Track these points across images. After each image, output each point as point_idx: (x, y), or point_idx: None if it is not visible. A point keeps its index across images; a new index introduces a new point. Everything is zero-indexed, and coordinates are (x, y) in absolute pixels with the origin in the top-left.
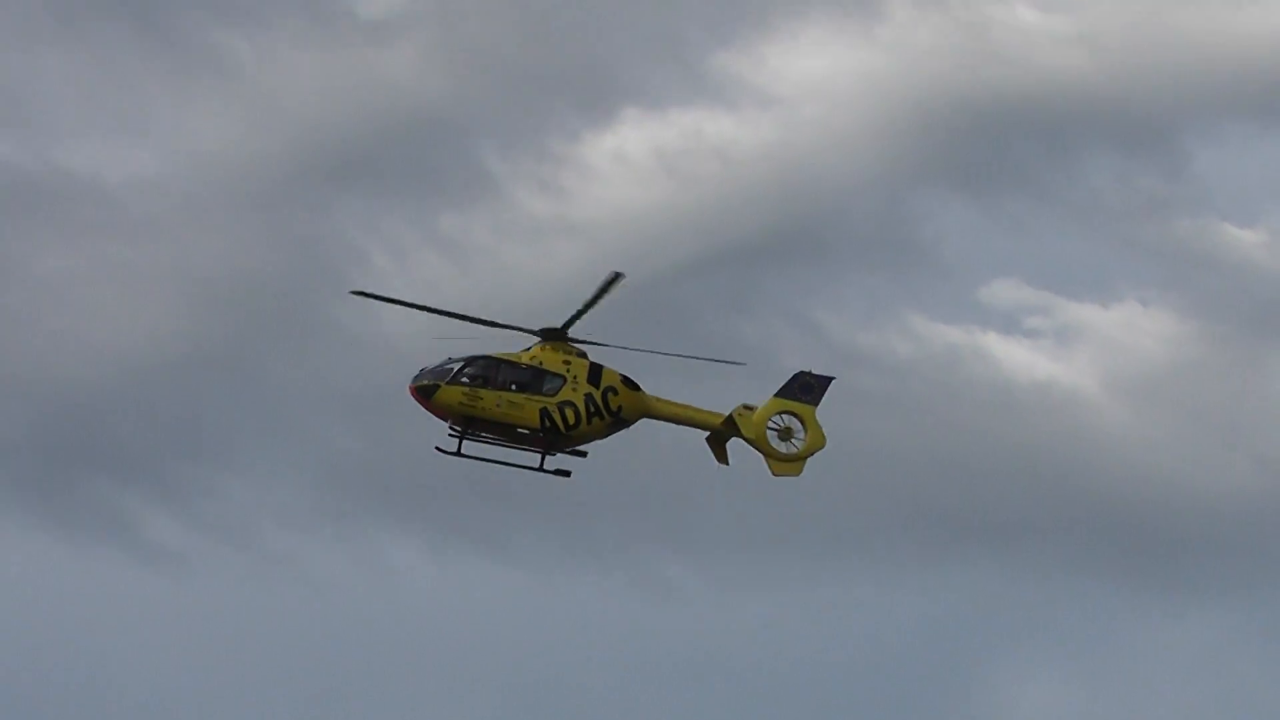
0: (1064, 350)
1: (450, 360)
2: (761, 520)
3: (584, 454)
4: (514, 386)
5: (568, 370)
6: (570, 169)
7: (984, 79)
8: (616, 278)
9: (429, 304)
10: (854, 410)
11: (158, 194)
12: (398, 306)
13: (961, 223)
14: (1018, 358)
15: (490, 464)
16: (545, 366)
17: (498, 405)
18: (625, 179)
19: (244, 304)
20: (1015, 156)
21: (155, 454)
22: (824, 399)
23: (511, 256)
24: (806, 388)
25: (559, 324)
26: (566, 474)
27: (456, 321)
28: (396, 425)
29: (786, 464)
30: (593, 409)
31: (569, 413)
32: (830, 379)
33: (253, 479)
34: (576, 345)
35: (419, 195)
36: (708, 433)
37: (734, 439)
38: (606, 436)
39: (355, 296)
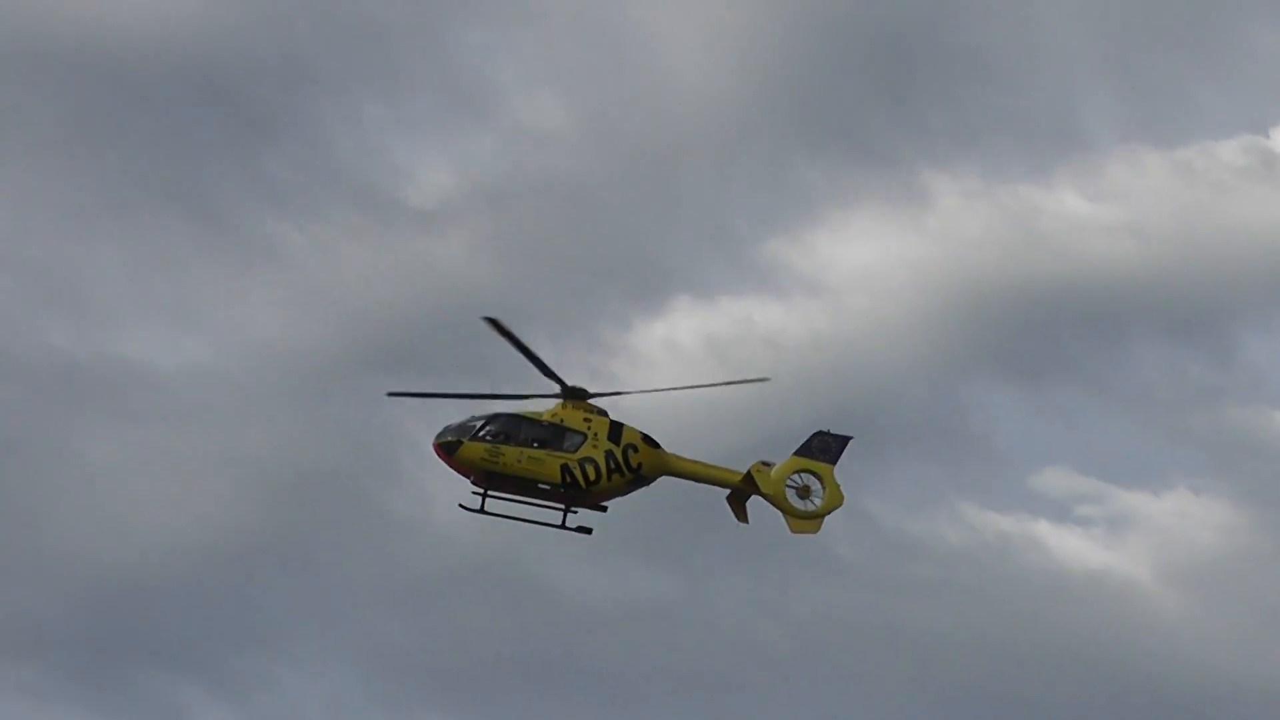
0: (1116, 539)
1: (473, 418)
2: (816, 707)
3: (604, 509)
4: (535, 443)
5: (588, 427)
6: (621, 357)
7: (1032, 268)
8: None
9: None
10: (905, 598)
11: (211, 382)
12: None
13: (1011, 411)
14: (1069, 546)
15: (514, 520)
16: (566, 424)
17: (519, 461)
18: (676, 367)
19: (295, 492)
20: (1065, 345)
21: (207, 644)
22: (841, 459)
23: None
24: (824, 447)
25: (580, 384)
26: (588, 531)
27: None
28: (449, 615)
29: (805, 522)
30: (613, 465)
31: (589, 469)
32: (848, 438)
33: (304, 669)
34: (597, 405)
35: (471, 384)
36: (728, 491)
37: (754, 498)
38: (627, 493)
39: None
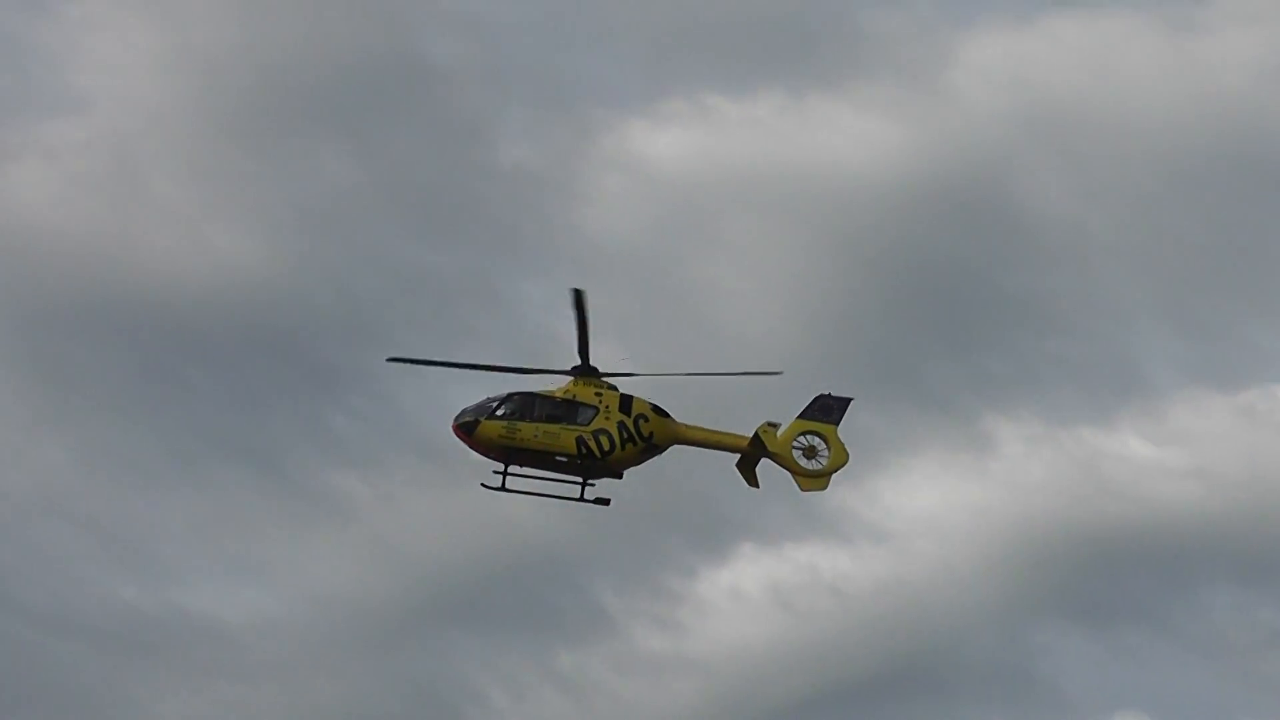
0: None
1: (489, 399)
2: None
3: (620, 476)
4: (550, 419)
5: (600, 401)
6: (687, 605)
7: (1098, 513)
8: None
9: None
10: None
11: (278, 635)
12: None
13: (1080, 656)
14: None
15: (533, 496)
16: (579, 399)
17: (535, 436)
18: (741, 615)
19: None
20: (1133, 590)
21: None
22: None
23: (629, 693)
24: (826, 409)
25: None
26: (606, 502)
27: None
28: None
29: (813, 480)
30: (626, 435)
31: (604, 440)
32: (849, 400)
33: None
34: (607, 380)
35: (536, 633)
36: (738, 457)
37: (763, 462)
38: (640, 462)
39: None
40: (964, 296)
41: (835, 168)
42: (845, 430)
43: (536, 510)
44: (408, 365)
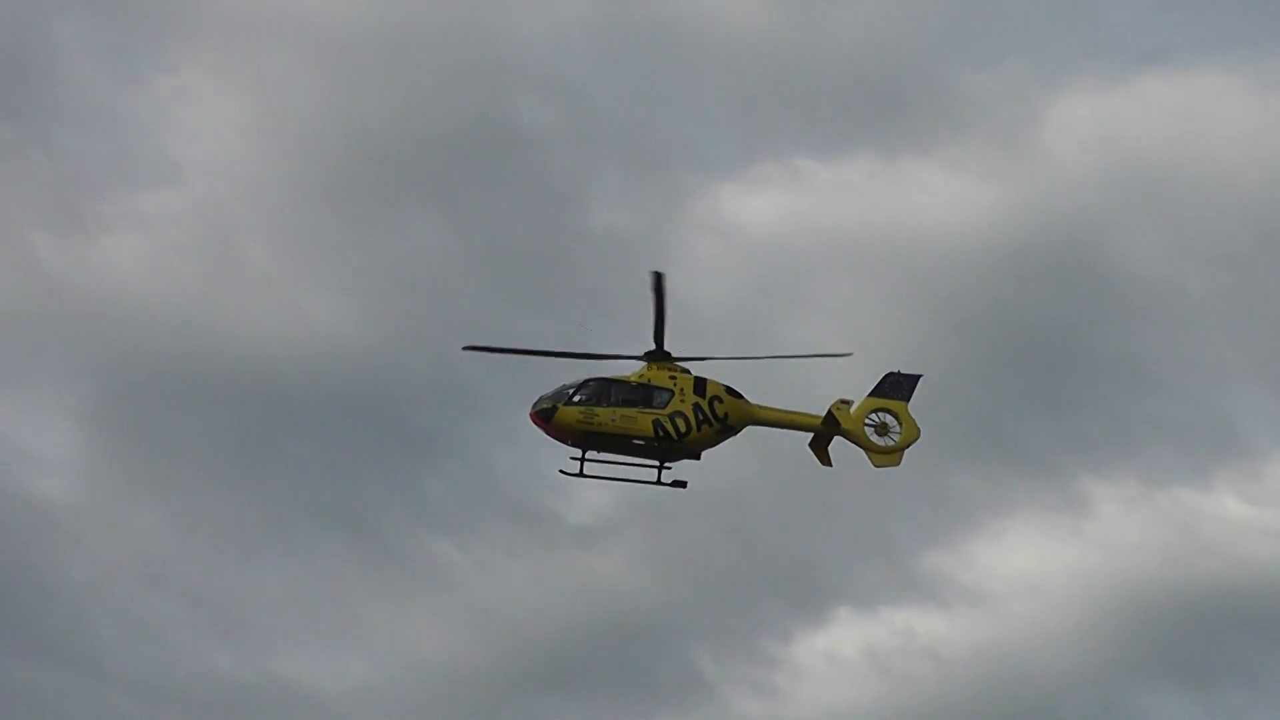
0: None
1: (565, 386)
2: None
3: (698, 457)
4: (627, 403)
5: (674, 384)
6: (783, 670)
7: (1196, 573)
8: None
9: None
10: None
11: (376, 703)
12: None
13: (1181, 718)
14: None
15: (613, 482)
16: (654, 383)
17: (613, 420)
18: (838, 679)
19: None
20: (1232, 650)
21: None
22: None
23: None
24: (896, 385)
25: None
26: (683, 485)
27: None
28: None
29: (886, 456)
30: (701, 417)
31: (680, 422)
32: (919, 376)
33: None
34: (680, 364)
35: (632, 699)
36: (810, 436)
37: (835, 441)
38: (716, 443)
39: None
40: (1059, 358)
41: (927, 229)
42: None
43: (629, 575)
44: (485, 354)
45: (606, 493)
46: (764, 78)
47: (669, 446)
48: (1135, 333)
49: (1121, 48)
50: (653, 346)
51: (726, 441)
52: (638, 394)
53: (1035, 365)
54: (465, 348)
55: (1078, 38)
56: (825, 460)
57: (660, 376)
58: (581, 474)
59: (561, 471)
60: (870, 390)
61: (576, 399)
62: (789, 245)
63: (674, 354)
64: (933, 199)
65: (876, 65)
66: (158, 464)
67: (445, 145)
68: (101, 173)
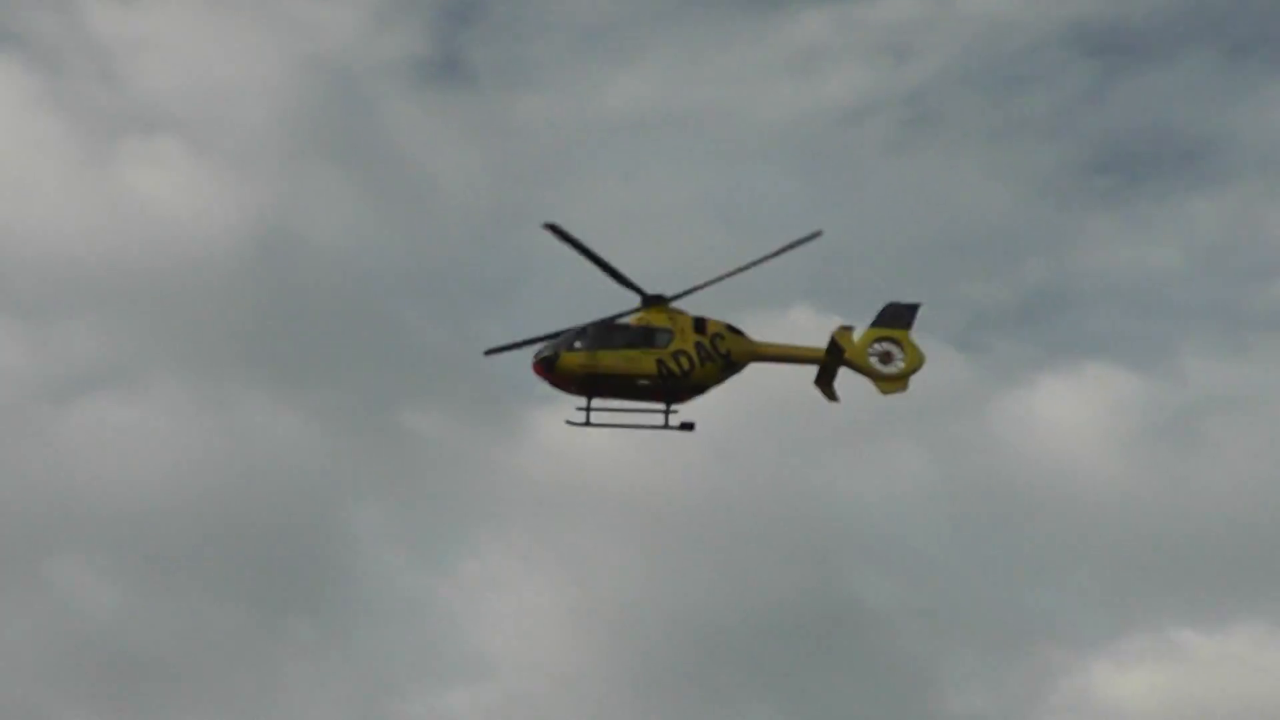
0: None
1: (564, 333)
2: None
3: (705, 390)
4: (628, 345)
5: (674, 324)
6: None
7: None
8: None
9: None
10: None
11: None
12: None
13: None
14: None
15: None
16: (653, 324)
17: (616, 361)
18: None
19: None
20: None
21: None
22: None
23: None
24: (897, 314)
25: (663, 292)
26: (690, 427)
27: None
28: None
29: (892, 383)
30: (704, 354)
31: (683, 360)
32: (918, 305)
33: None
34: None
35: None
36: (816, 370)
37: (839, 374)
38: (721, 380)
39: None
40: None
41: None
42: None
43: None
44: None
45: None
46: (1132, 541)
47: (674, 385)
48: None
49: None
50: None
51: None
52: (639, 335)
53: None
54: (487, 352)
55: None
56: (831, 395)
57: (659, 318)
58: (588, 423)
59: (568, 422)
60: (871, 321)
61: (577, 344)
62: None
63: (667, 295)
64: None
65: (1265, 530)
66: None
67: (775, 623)
68: (405, 670)
